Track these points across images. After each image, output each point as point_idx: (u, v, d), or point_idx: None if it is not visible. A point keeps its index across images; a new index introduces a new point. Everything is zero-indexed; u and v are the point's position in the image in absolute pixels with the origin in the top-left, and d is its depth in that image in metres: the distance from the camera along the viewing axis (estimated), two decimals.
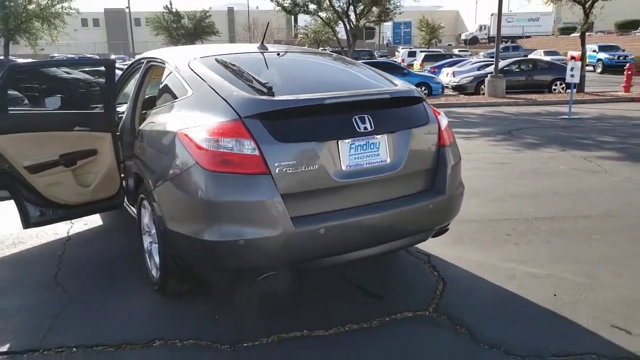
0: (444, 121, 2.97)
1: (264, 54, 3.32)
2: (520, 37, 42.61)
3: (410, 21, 42.96)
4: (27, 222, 3.51)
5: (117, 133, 3.80)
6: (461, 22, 62.10)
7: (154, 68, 3.86)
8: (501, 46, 31.58)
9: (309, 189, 2.47)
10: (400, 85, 3.04)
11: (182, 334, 2.68)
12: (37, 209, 3.55)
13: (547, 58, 22.68)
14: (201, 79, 2.82)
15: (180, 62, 3.12)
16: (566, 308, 2.84)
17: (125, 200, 3.90)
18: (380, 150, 2.65)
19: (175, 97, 2.99)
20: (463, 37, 50.61)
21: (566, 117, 10.71)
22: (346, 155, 2.55)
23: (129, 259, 3.70)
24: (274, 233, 2.35)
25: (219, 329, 2.73)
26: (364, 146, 2.60)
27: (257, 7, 59.73)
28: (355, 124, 2.56)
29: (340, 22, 16.81)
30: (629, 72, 14.86)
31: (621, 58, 25.50)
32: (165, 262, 2.85)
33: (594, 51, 26.62)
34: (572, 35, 37.26)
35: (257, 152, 2.37)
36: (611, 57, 26.17)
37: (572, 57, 28.45)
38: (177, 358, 2.52)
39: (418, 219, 2.75)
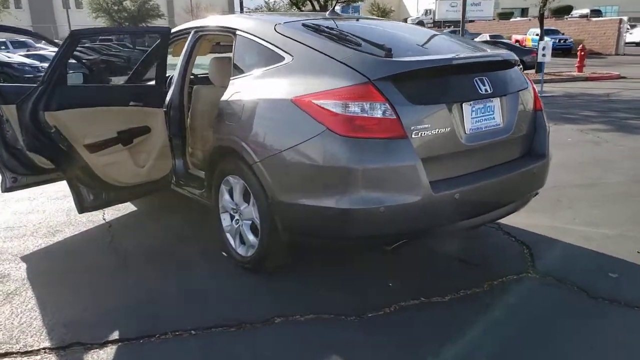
0: (535, 86, 3.02)
1: (338, 20, 3.21)
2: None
3: (359, 5, 43.14)
4: (82, 207, 3.24)
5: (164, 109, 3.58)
6: (403, 7, 63.16)
7: (204, 38, 3.66)
8: (449, 30, 32.53)
9: (441, 153, 2.43)
10: (490, 50, 3.04)
11: (298, 309, 2.59)
12: (90, 192, 3.28)
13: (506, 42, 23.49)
14: (301, 43, 2.69)
15: (263, 28, 2.97)
16: None
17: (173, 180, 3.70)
18: (495, 113, 2.65)
19: (264, 64, 2.83)
20: (409, 21, 51.54)
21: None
22: (469, 118, 2.53)
23: (191, 241, 3.52)
24: (415, 198, 2.31)
25: (332, 302, 2.65)
26: (482, 109, 2.59)
27: None
28: (477, 86, 2.55)
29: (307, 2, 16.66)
30: (582, 53, 15.70)
31: (562, 41, 26.88)
32: (269, 237, 2.72)
33: (537, 35, 27.87)
34: (511, 20, 38.85)
35: (393, 115, 2.30)
36: (553, 40, 27.47)
37: (517, 41, 29.72)
38: (305, 332, 2.43)
39: (526, 182, 2.79)
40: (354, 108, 2.31)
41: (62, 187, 4.75)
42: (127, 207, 4.25)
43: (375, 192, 2.29)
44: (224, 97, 2.97)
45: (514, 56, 2.90)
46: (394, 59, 2.42)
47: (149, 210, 4.24)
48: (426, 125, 2.36)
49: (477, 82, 2.56)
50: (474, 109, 2.55)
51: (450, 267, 3.06)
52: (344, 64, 2.44)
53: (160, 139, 3.49)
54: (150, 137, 3.46)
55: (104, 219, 4.01)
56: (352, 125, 2.30)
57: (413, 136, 2.33)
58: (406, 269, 3.03)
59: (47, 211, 4.25)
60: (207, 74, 4.11)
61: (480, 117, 2.58)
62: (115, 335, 2.41)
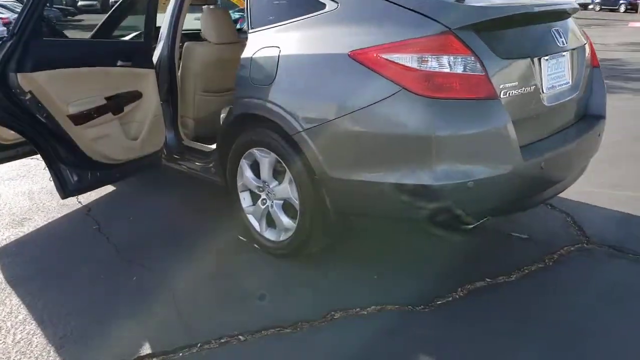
0: None
1: None
2: None
3: None
4: (65, 190, 2.66)
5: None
6: None
7: None
8: None
9: (527, 116, 2.11)
10: None
11: (357, 302, 2.24)
12: (74, 173, 2.70)
13: None
14: None
15: None
16: None
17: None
18: (565, 70, 2.36)
19: (296, 13, 2.36)
20: None
21: None
22: (546, 74, 2.22)
23: (194, 225, 3.04)
24: (507, 169, 1.98)
25: (393, 291, 2.32)
26: (555, 65, 2.29)
27: None
28: (555, 38, 2.23)
29: None
30: None
31: None
32: (312, 219, 2.32)
33: None
34: None
35: (482, 72, 1.94)
36: None
37: None
38: (372, 327, 2.09)
39: (593, 145, 2.54)
40: (433, 63, 1.93)
41: (13, 166, 4.07)
42: (103, 188, 3.64)
43: (463, 164, 1.94)
44: (247, 54, 2.47)
45: (573, 5, 2.60)
46: (470, 4, 2.05)
47: (128, 189, 3.66)
48: (514, 83, 2.03)
49: (554, 33, 2.24)
50: (549, 64, 2.24)
51: (503, 242, 2.79)
52: (412, 10, 2.03)
53: (153, 106, 2.96)
54: (141, 104, 2.91)
55: (80, 202, 3.42)
56: (434, 83, 1.92)
57: (502, 95, 1.99)
58: (460, 250, 2.73)
59: (3, 195, 3.57)
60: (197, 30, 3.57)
61: (554, 73, 2.28)
62: (146, 349, 1.95)
